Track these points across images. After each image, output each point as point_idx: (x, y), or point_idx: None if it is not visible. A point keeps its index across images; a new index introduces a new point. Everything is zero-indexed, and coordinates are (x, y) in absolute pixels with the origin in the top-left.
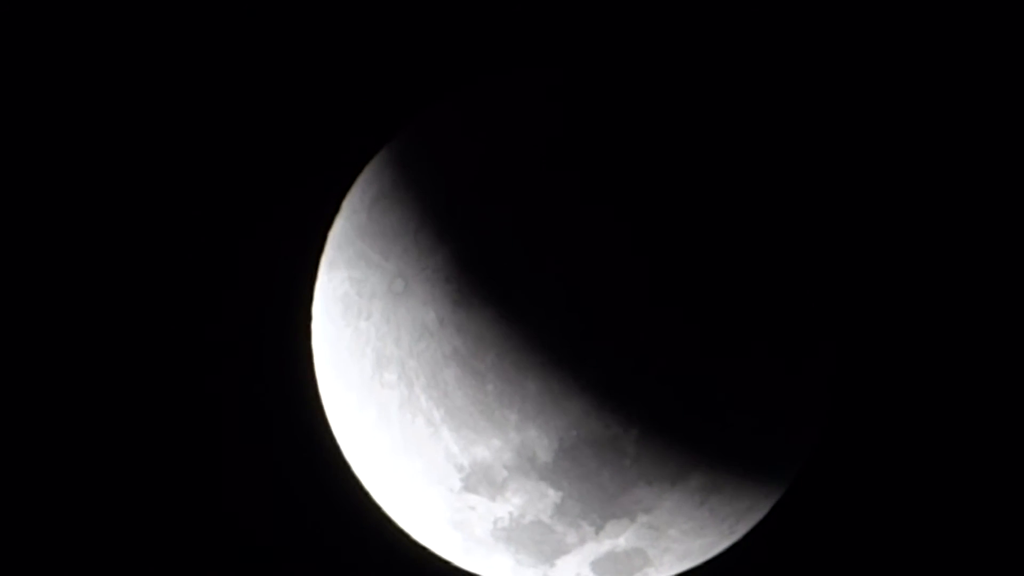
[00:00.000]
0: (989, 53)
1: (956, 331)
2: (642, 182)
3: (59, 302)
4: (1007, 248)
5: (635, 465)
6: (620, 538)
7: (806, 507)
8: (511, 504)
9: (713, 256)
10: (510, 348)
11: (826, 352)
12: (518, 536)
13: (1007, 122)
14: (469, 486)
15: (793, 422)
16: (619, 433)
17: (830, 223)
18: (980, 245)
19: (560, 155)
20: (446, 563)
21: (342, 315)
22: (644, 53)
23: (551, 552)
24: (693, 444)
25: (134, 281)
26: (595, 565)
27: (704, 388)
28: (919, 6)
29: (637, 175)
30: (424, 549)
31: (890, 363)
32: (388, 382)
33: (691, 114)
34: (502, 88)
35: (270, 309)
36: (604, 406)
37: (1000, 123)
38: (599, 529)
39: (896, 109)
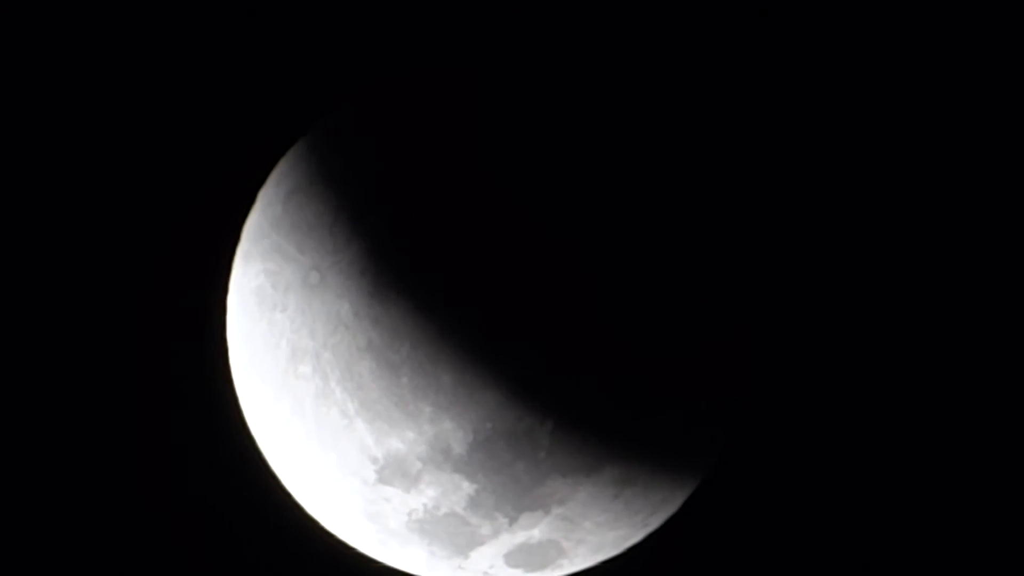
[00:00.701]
0: (886, 50)
1: (869, 326)
2: (558, 175)
3: None
4: (917, 237)
5: (549, 457)
6: (534, 530)
7: (720, 500)
8: (425, 496)
9: (628, 251)
10: (425, 340)
11: (742, 346)
12: (432, 528)
13: (907, 109)
14: (383, 478)
15: (708, 415)
16: (533, 425)
17: (743, 220)
18: (891, 235)
19: (476, 147)
20: (361, 555)
21: (257, 307)
22: (565, 50)
23: (465, 544)
24: (607, 436)
25: (47, 274)
26: (509, 557)
27: (619, 381)
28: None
29: (553, 167)
30: (338, 541)
31: (805, 357)
32: (303, 374)
33: (608, 106)
34: (418, 82)
35: (185, 301)
36: (518, 398)
37: (901, 110)
38: (513, 521)
39: (798, 101)
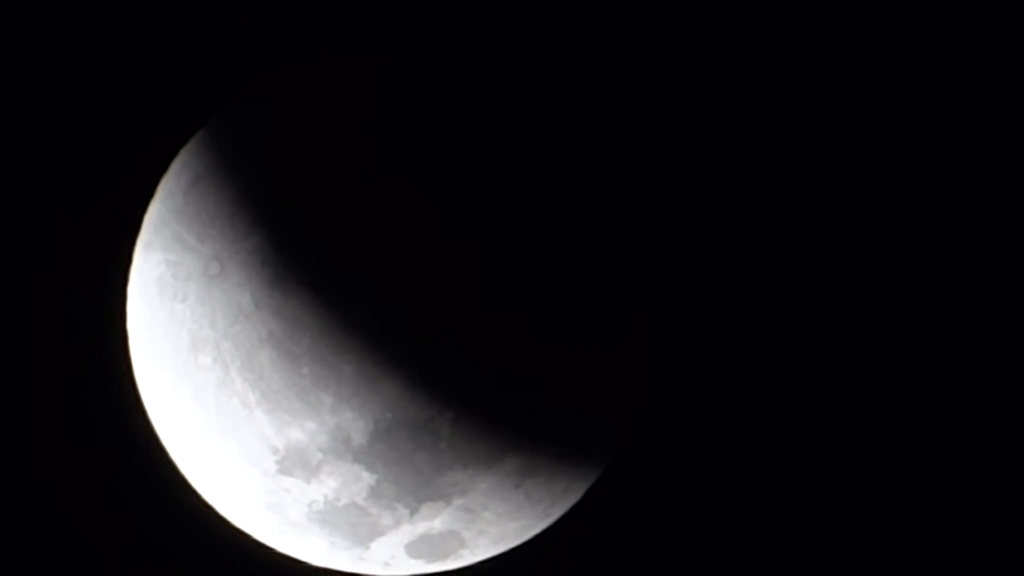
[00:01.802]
0: (770, 43)
1: (767, 316)
2: (458, 164)
3: None
4: (808, 224)
5: (450, 448)
6: (435, 520)
7: (621, 490)
8: (326, 487)
9: (528, 241)
10: (325, 331)
11: (639, 336)
12: (333, 519)
13: (790, 101)
14: (284, 468)
15: (608, 406)
16: (434, 415)
17: (640, 211)
18: (782, 223)
19: (380, 137)
20: (261, 545)
21: (158, 297)
22: (466, 38)
23: (366, 535)
24: (508, 427)
25: None
26: (410, 547)
27: (519, 371)
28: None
29: (454, 157)
30: (239, 531)
31: (704, 343)
32: (203, 364)
33: (509, 100)
34: (320, 70)
35: (85, 291)
36: (419, 388)
37: (783, 102)
38: (414, 512)
39: (685, 94)
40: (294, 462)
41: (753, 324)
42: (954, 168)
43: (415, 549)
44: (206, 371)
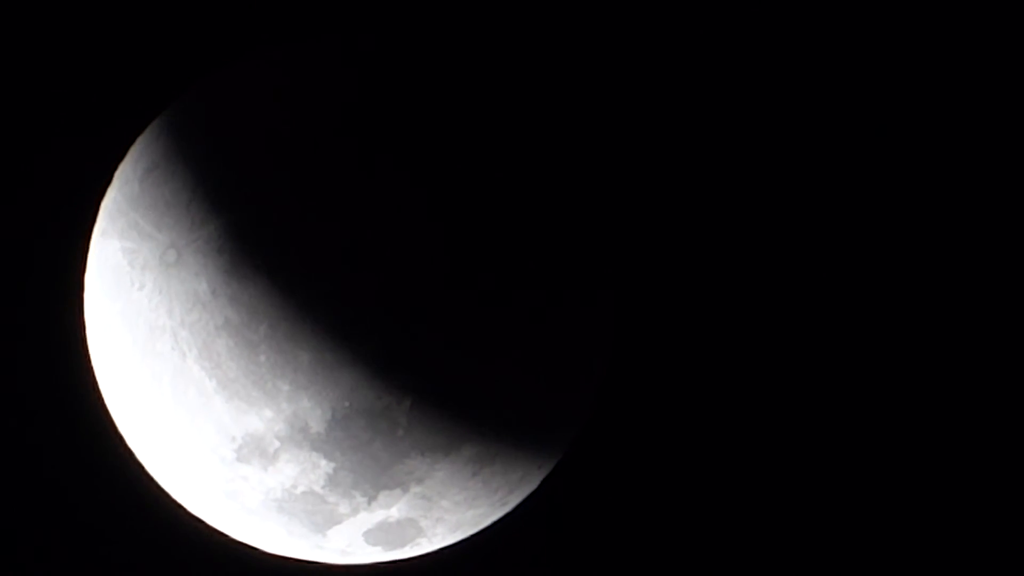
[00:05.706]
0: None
1: (731, 297)
2: (426, 150)
3: None
4: (780, 221)
5: (407, 436)
6: (393, 508)
7: (578, 478)
8: (283, 475)
9: (495, 225)
10: (283, 318)
11: (600, 325)
12: (290, 507)
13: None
14: (242, 457)
15: (565, 394)
16: (391, 403)
17: (609, 199)
18: (753, 220)
19: (339, 124)
20: (218, 533)
21: (114, 286)
22: (429, 22)
23: (323, 522)
24: (466, 415)
25: None
26: (368, 535)
27: (477, 359)
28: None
29: (420, 143)
30: (196, 520)
31: (665, 336)
32: (160, 352)
33: (478, 88)
34: (280, 58)
35: (40, 280)
36: (377, 377)
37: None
38: (372, 499)
39: (662, 91)
40: (251, 450)
41: (718, 315)
42: (912, 164)
43: (373, 537)
44: (163, 359)
